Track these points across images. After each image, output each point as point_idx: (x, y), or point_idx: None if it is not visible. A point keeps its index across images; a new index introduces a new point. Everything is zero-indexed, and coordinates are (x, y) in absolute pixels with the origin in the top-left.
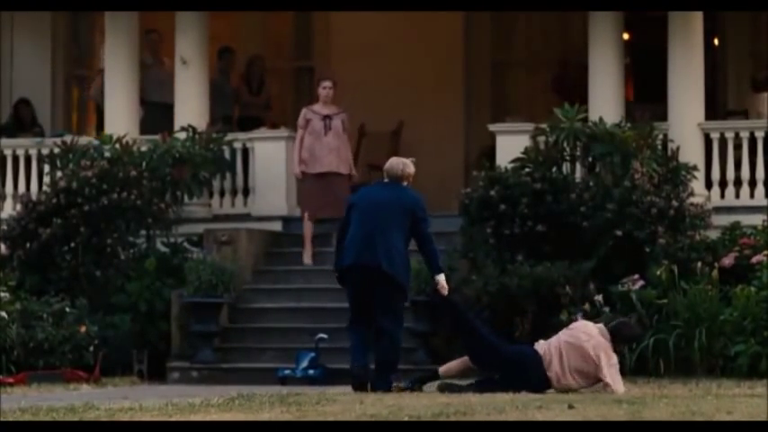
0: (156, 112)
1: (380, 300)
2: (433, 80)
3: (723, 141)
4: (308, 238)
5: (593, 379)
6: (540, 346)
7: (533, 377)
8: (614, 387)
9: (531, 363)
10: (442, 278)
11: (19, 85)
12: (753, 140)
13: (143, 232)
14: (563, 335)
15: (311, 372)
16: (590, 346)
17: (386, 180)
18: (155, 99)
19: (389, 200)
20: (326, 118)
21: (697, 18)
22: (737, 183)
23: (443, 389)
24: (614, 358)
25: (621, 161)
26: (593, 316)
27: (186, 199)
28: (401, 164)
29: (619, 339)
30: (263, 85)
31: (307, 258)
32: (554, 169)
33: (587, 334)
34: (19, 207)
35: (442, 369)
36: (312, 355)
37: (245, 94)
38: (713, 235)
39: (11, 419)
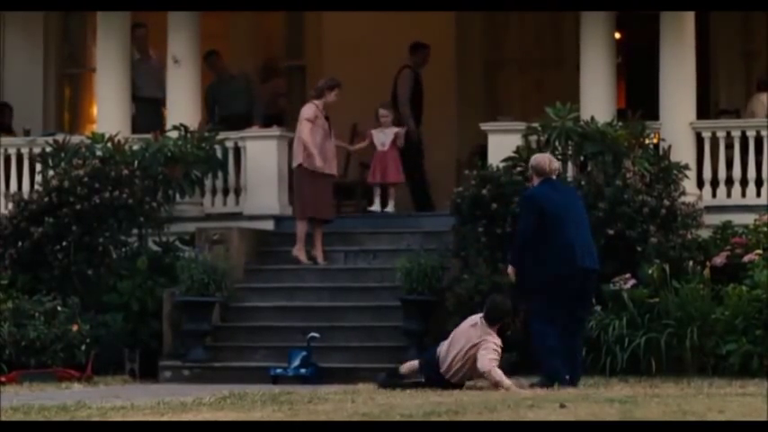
0: (148, 108)
1: (588, 296)
2: (424, 79)
3: (715, 140)
4: (304, 237)
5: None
6: (440, 345)
7: (431, 377)
8: (493, 377)
9: (428, 364)
10: None
11: (11, 84)
12: (744, 139)
13: (135, 231)
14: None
15: (303, 370)
16: (465, 337)
17: (538, 178)
18: (145, 94)
19: (573, 200)
20: (327, 120)
21: (688, 17)
22: (729, 182)
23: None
24: (490, 347)
25: (613, 160)
26: None
27: (178, 198)
28: (547, 159)
29: (495, 320)
30: None
31: (303, 257)
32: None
33: (468, 324)
34: (11, 206)
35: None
36: (304, 353)
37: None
38: (705, 234)
39: (3, 419)
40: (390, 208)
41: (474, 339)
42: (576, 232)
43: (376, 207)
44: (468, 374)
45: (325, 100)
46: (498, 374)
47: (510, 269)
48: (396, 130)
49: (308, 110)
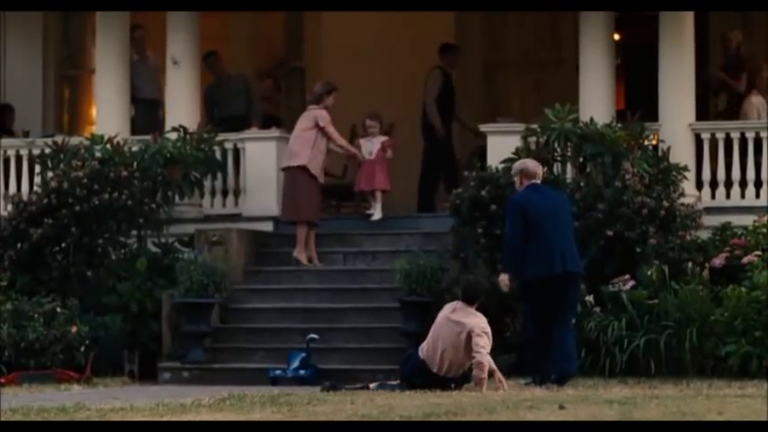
0: (147, 109)
1: (572, 298)
2: (424, 81)
3: (714, 142)
4: (304, 239)
5: (465, 354)
6: (419, 350)
7: (426, 381)
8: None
9: (417, 370)
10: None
11: (10, 86)
12: (743, 141)
13: (134, 232)
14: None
15: (302, 372)
16: (448, 326)
17: (527, 181)
18: (144, 96)
19: (559, 205)
20: None
21: (688, 18)
22: (728, 183)
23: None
24: (482, 332)
25: (612, 161)
26: (584, 316)
27: (177, 199)
28: (538, 165)
29: (473, 298)
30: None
31: (304, 259)
32: (545, 170)
33: (446, 313)
34: (10, 207)
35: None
36: (303, 355)
37: (277, 93)
38: (704, 235)
39: (2, 419)
40: (377, 215)
41: (461, 320)
42: (556, 236)
43: (372, 211)
44: (464, 362)
45: (324, 105)
46: (484, 372)
47: (503, 277)
48: (383, 139)
49: (323, 115)
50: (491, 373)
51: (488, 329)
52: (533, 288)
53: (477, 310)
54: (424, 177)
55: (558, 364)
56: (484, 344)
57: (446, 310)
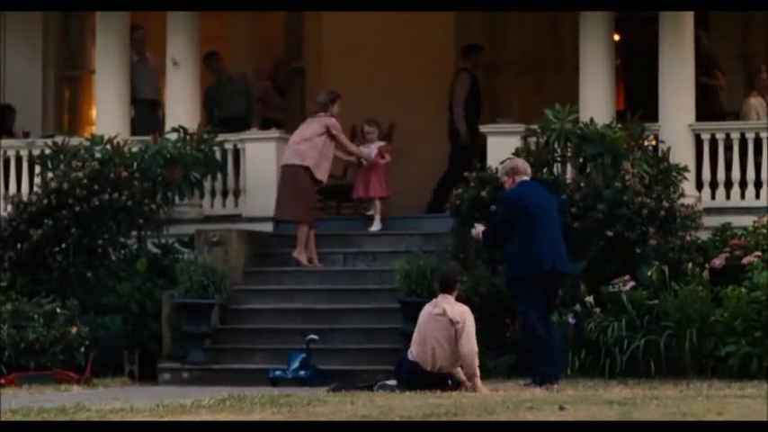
0: (146, 110)
1: (554, 294)
2: (424, 82)
3: (714, 142)
4: (305, 240)
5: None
6: (408, 353)
7: (423, 381)
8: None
9: (411, 372)
10: None
11: (10, 86)
12: (743, 141)
13: (134, 233)
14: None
15: (302, 372)
16: (434, 322)
17: (519, 178)
18: (143, 96)
19: (550, 203)
20: None
21: (688, 18)
22: (728, 184)
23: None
24: (470, 328)
25: (612, 162)
26: (584, 317)
27: (177, 200)
28: (527, 164)
29: (450, 287)
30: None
31: (304, 260)
32: (545, 170)
33: (428, 311)
34: (10, 208)
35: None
36: (303, 355)
37: (274, 95)
38: (704, 236)
39: (2, 420)
40: (376, 226)
41: (444, 311)
42: (547, 233)
43: (372, 213)
44: (456, 355)
45: (330, 113)
46: (475, 364)
47: (478, 228)
48: (380, 144)
49: (334, 123)
50: (470, 378)
51: (471, 316)
52: (525, 285)
53: (457, 300)
54: (445, 178)
55: (552, 358)
56: (471, 336)
57: (428, 307)
